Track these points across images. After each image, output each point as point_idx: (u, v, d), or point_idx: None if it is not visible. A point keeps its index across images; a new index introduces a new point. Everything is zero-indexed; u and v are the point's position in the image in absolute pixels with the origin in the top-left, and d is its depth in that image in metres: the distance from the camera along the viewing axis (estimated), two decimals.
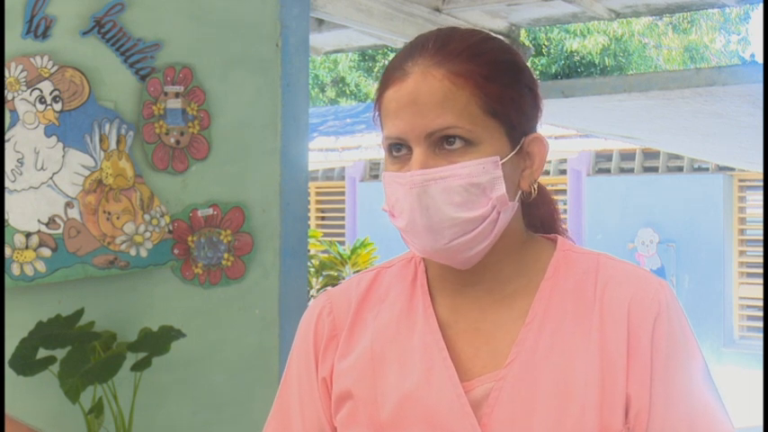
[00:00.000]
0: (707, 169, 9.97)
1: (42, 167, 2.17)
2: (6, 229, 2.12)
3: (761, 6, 5.05)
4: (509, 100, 1.10)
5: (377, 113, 1.15)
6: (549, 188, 1.26)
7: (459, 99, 1.07)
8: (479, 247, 1.10)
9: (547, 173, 10.76)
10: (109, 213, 2.25)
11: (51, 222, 2.17)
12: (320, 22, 4.41)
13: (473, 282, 1.15)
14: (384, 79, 1.13)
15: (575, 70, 16.10)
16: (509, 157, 1.10)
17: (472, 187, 1.07)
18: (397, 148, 1.10)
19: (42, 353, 2.08)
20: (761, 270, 9.56)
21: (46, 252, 2.16)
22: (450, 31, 1.14)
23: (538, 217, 1.22)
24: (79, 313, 2.15)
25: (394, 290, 1.21)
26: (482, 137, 1.08)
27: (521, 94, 1.12)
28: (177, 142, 2.38)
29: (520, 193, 1.14)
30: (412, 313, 1.18)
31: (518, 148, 1.11)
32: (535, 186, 1.15)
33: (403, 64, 1.11)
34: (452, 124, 1.07)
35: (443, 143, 1.08)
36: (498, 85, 1.09)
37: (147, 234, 2.32)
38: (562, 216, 1.29)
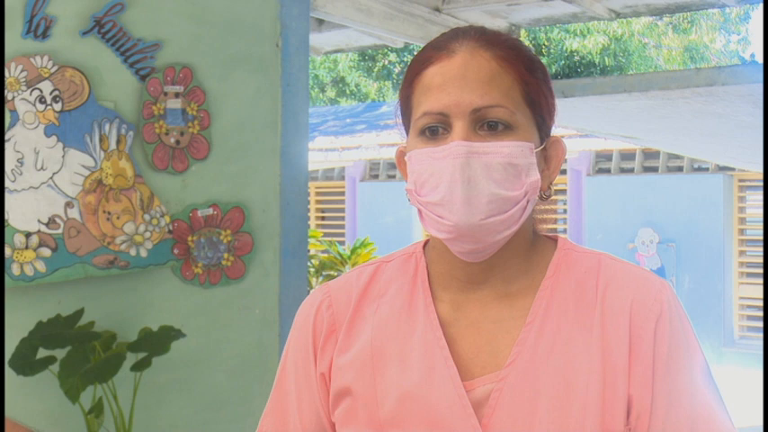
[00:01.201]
0: (707, 169, 9.96)
1: (42, 167, 2.16)
2: (6, 229, 2.11)
3: (761, 6, 5.05)
4: (542, 95, 1.15)
5: (409, 93, 1.15)
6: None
7: (504, 81, 1.11)
8: (505, 233, 1.10)
9: None
10: (109, 213, 2.25)
11: (51, 222, 2.17)
12: (320, 22, 4.41)
13: (480, 280, 1.15)
14: (423, 59, 1.14)
15: (575, 70, 16.09)
16: (538, 149, 1.13)
17: (510, 167, 1.09)
18: (433, 130, 1.11)
19: (42, 353, 2.08)
20: (761, 270, 9.55)
21: (46, 252, 2.16)
22: (483, 27, 1.17)
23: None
24: (79, 313, 2.15)
25: (394, 284, 1.20)
26: (520, 123, 1.11)
27: (548, 95, 1.16)
28: (177, 142, 2.38)
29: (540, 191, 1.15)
30: (413, 309, 1.17)
31: (543, 145, 1.15)
32: (552, 189, 1.17)
33: (448, 44, 1.13)
34: (498, 103, 1.09)
35: (483, 124, 1.10)
36: (536, 78, 1.14)
37: (147, 234, 2.31)
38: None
